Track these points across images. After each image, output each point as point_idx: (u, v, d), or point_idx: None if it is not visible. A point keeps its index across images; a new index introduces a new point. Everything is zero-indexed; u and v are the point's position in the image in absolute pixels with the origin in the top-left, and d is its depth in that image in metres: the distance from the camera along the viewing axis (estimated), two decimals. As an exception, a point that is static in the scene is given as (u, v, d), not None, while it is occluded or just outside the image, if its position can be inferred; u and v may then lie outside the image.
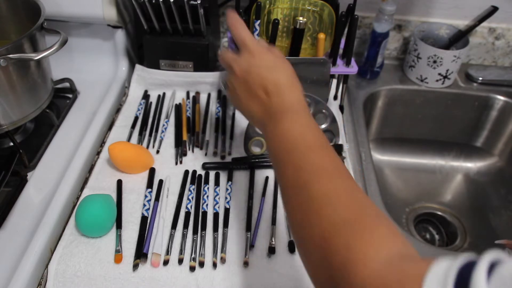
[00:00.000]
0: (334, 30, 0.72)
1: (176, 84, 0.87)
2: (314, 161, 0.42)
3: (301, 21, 0.69)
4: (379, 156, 1.02)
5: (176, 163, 0.73)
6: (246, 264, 0.58)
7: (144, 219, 0.63)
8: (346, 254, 0.33)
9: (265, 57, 0.51)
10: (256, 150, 0.74)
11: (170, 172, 0.71)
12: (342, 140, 0.77)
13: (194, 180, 0.69)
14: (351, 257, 0.32)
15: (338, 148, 0.75)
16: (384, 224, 0.35)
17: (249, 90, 0.50)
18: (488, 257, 0.26)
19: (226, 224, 0.63)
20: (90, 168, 0.72)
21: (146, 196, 0.66)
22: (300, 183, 0.41)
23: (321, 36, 0.71)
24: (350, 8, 0.71)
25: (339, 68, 0.75)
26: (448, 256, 0.28)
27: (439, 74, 0.91)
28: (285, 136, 0.45)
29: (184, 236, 0.61)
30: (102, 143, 0.77)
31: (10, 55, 0.62)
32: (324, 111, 0.73)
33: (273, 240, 0.61)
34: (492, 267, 0.25)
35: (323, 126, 0.74)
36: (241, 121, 0.80)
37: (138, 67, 0.86)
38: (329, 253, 0.34)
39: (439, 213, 0.93)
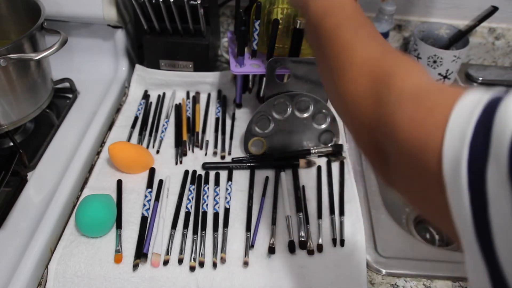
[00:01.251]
0: (334, 30, 0.72)
1: (176, 84, 0.87)
2: (357, 21, 0.43)
3: (301, 21, 0.69)
4: (379, 156, 1.02)
5: (176, 163, 0.73)
6: (246, 264, 0.58)
7: (144, 219, 0.63)
8: (392, 66, 0.36)
9: None
10: (256, 150, 0.74)
11: (170, 172, 0.71)
12: (342, 140, 0.77)
13: (194, 180, 0.69)
14: (395, 70, 0.35)
15: (338, 148, 0.75)
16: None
17: None
18: None
19: (226, 224, 0.63)
20: (90, 168, 0.72)
21: (146, 196, 0.66)
22: (350, 25, 0.42)
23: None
24: (350, 8, 0.71)
25: (339, 68, 0.75)
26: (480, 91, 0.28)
27: (439, 74, 0.91)
28: (331, 9, 0.45)
29: (184, 236, 0.61)
30: (102, 143, 0.77)
31: (10, 55, 0.62)
32: (324, 111, 0.73)
33: (273, 240, 0.61)
34: None
35: (323, 126, 0.74)
36: (241, 121, 0.80)
37: (138, 67, 0.86)
38: (374, 66, 0.37)
39: (439, 213, 0.93)
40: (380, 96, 0.34)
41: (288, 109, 0.72)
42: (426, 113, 0.29)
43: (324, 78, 0.45)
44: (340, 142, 0.76)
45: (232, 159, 0.73)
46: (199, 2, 0.74)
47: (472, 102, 0.26)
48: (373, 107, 0.35)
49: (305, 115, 0.72)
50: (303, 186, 0.70)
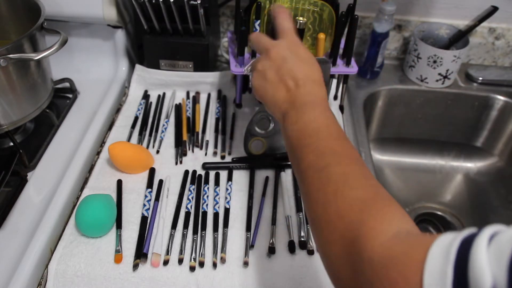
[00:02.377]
0: (334, 30, 0.72)
1: (176, 84, 0.87)
2: (335, 147, 0.44)
3: (301, 21, 0.69)
4: (379, 156, 1.02)
5: (176, 163, 0.73)
6: (246, 264, 0.58)
7: (144, 219, 0.63)
8: (358, 229, 0.35)
9: (303, 51, 0.53)
10: (256, 150, 0.74)
11: (170, 172, 0.71)
12: (342, 140, 0.77)
13: (194, 180, 0.69)
14: (363, 232, 0.34)
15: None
16: (395, 206, 0.38)
17: (279, 76, 0.51)
18: (489, 229, 0.27)
19: (226, 224, 0.63)
20: (90, 168, 0.72)
21: (146, 196, 0.66)
22: (320, 165, 0.42)
23: (321, 36, 0.71)
24: (350, 8, 0.71)
25: (339, 68, 0.75)
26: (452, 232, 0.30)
27: (439, 74, 0.91)
28: (308, 124, 0.47)
29: (184, 236, 0.61)
30: (102, 143, 0.77)
31: (10, 55, 0.62)
32: None
33: (273, 240, 0.61)
34: (492, 237, 0.26)
35: None
36: (241, 121, 0.80)
37: (138, 67, 0.86)
38: (343, 229, 0.37)
39: (439, 213, 0.93)
40: (354, 264, 0.34)
41: None
42: (400, 280, 0.29)
43: (305, 206, 0.45)
44: (340, 142, 0.76)
45: (232, 159, 0.73)
46: (199, 2, 0.74)
47: (443, 252, 0.27)
48: (351, 275, 0.35)
49: (305, 115, 0.72)
50: (303, 186, 0.69)
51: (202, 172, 0.71)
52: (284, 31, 0.55)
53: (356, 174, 0.41)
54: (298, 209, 0.65)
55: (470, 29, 0.88)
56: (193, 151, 0.75)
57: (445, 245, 0.28)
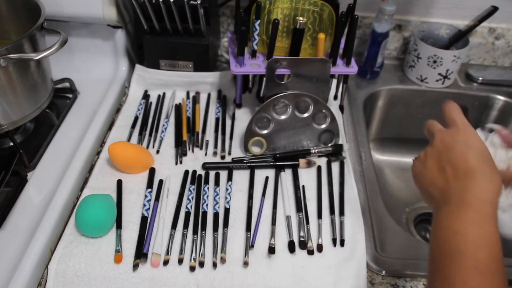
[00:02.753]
0: (334, 30, 0.72)
1: (176, 84, 0.87)
2: (466, 282, 0.37)
3: (301, 21, 0.69)
4: (379, 156, 1.02)
5: (176, 163, 0.73)
6: (246, 264, 0.58)
7: (144, 219, 0.63)
8: None
9: (471, 138, 0.46)
10: (256, 150, 0.74)
11: (170, 172, 0.71)
12: (342, 140, 0.77)
13: (194, 180, 0.69)
14: None
15: (338, 148, 0.75)
16: None
17: (440, 165, 0.46)
18: None
19: (226, 224, 0.63)
20: (90, 168, 0.72)
21: (146, 196, 0.66)
22: None
23: (321, 36, 0.71)
24: (350, 8, 0.71)
25: (339, 68, 0.75)
26: None
27: (439, 74, 0.91)
28: (453, 234, 0.40)
29: (184, 236, 0.61)
30: (102, 143, 0.77)
31: (10, 55, 0.62)
32: (324, 111, 0.73)
33: (273, 240, 0.61)
34: None
35: (323, 126, 0.74)
36: (241, 121, 0.80)
37: (138, 67, 0.86)
38: None
39: (439, 213, 0.93)
40: None
41: (288, 109, 0.72)
42: None
43: None
44: (340, 142, 0.76)
45: (232, 159, 0.73)
46: (199, 2, 0.74)
47: None
48: None
49: (305, 115, 0.72)
50: (303, 186, 0.70)
51: (202, 172, 0.71)
52: (452, 120, 0.49)
53: None
54: (298, 209, 0.65)
55: (470, 29, 0.88)
56: (193, 151, 0.75)
57: None
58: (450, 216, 0.42)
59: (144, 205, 0.65)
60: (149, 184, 0.68)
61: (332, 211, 0.66)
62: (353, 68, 0.75)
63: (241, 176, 0.71)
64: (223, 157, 0.74)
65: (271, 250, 0.60)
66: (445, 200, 0.44)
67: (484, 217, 0.41)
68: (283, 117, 0.72)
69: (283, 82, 0.72)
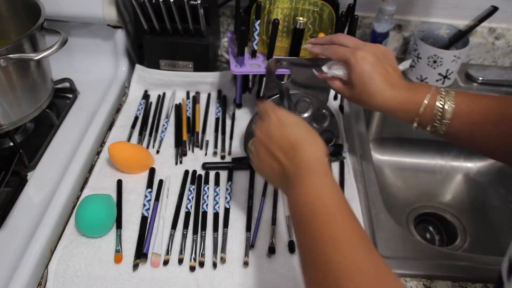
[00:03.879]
0: (334, 30, 0.72)
1: (176, 84, 0.87)
2: (333, 230, 0.40)
3: (301, 21, 0.69)
4: (379, 156, 1.02)
5: (176, 163, 0.73)
6: (246, 264, 0.58)
7: (144, 219, 0.63)
8: None
9: (283, 117, 0.51)
10: (256, 150, 0.74)
11: (170, 172, 0.71)
12: (342, 140, 0.77)
13: (194, 180, 0.69)
14: None
15: (338, 148, 0.75)
16: None
17: (269, 152, 0.50)
18: None
19: (226, 224, 0.63)
20: (90, 168, 0.72)
21: (146, 196, 0.66)
22: (318, 253, 0.39)
23: (321, 36, 0.71)
24: (350, 8, 0.71)
25: (339, 68, 0.75)
26: None
27: (439, 74, 0.91)
28: (303, 201, 0.44)
29: (184, 236, 0.61)
30: (102, 143, 0.77)
31: (10, 55, 0.62)
32: (324, 111, 0.73)
33: (273, 240, 0.61)
34: None
35: (323, 126, 0.74)
36: (241, 121, 0.80)
37: (138, 67, 0.86)
38: None
39: (439, 213, 0.93)
40: None
41: (288, 109, 0.72)
42: None
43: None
44: (340, 142, 0.76)
45: (232, 159, 0.73)
46: (199, 2, 0.74)
47: None
48: None
49: (305, 115, 0.72)
50: (303, 186, 0.69)
51: (202, 172, 0.71)
52: (264, 111, 0.54)
53: (360, 264, 0.37)
54: (298, 209, 0.65)
55: (470, 29, 0.88)
56: (193, 151, 0.75)
57: None
58: (298, 189, 0.45)
59: (144, 205, 0.65)
60: (149, 184, 0.68)
61: (332, 211, 0.66)
62: (353, 68, 0.75)
63: (241, 176, 0.71)
64: (223, 157, 0.74)
65: (271, 250, 0.60)
66: (288, 179, 0.48)
67: (322, 175, 0.46)
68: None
69: (283, 82, 0.72)
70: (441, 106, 0.55)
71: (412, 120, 0.58)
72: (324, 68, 0.64)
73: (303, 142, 0.48)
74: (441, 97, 0.56)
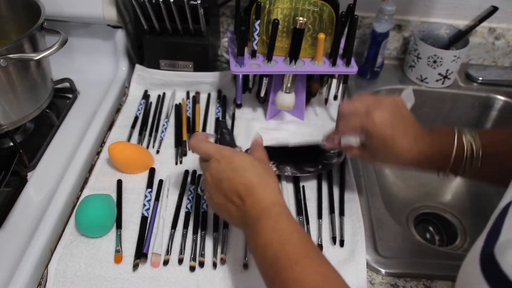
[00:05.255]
0: (334, 30, 0.72)
1: (176, 84, 0.87)
2: (297, 276, 0.42)
3: (301, 21, 0.69)
4: (379, 156, 1.01)
5: (176, 163, 0.73)
6: (245, 266, 0.58)
7: (144, 219, 0.63)
8: None
9: (232, 160, 0.51)
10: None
11: (170, 172, 0.71)
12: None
13: (194, 180, 0.69)
14: None
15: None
16: None
17: (224, 196, 0.51)
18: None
19: (226, 225, 0.63)
20: (90, 168, 0.72)
21: (146, 196, 0.66)
22: None
23: (321, 36, 0.71)
24: (350, 8, 0.71)
25: (339, 68, 0.75)
26: None
27: (439, 74, 0.91)
28: (264, 247, 0.45)
29: (184, 236, 0.61)
30: (102, 143, 0.77)
31: (10, 55, 0.62)
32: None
33: (273, 240, 0.61)
34: None
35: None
36: (241, 121, 0.80)
37: (138, 67, 0.86)
38: None
39: (439, 213, 0.93)
40: None
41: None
42: None
43: None
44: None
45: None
46: (199, 2, 0.74)
47: None
48: None
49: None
50: (303, 186, 0.70)
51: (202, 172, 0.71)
52: (206, 154, 0.53)
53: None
54: (299, 212, 0.65)
55: (470, 29, 0.88)
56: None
57: None
58: (255, 234, 0.47)
59: (144, 205, 0.65)
60: (149, 184, 0.68)
61: (332, 211, 0.66)
62: (353, 68, 0.75)
63: (241, 176, 0.71)
64: (223, 157, 0.74)
65: (271, 250, 0.60)
66: (246, 223, 0.49)
67: (277, 218, 0.47)
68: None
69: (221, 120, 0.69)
70: (470, 146, 0.54)
71: (445, 168, 0.56)
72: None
73: (255, 187, 0.49)
74: (467, 137, 0.55)
